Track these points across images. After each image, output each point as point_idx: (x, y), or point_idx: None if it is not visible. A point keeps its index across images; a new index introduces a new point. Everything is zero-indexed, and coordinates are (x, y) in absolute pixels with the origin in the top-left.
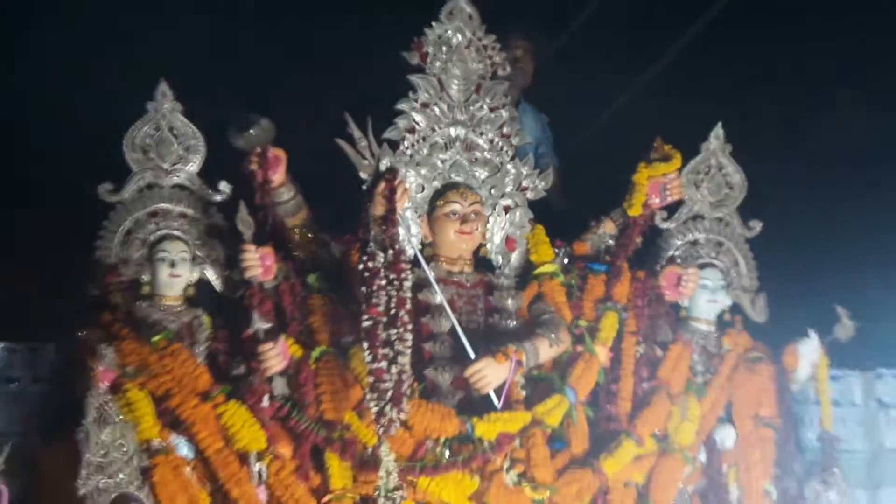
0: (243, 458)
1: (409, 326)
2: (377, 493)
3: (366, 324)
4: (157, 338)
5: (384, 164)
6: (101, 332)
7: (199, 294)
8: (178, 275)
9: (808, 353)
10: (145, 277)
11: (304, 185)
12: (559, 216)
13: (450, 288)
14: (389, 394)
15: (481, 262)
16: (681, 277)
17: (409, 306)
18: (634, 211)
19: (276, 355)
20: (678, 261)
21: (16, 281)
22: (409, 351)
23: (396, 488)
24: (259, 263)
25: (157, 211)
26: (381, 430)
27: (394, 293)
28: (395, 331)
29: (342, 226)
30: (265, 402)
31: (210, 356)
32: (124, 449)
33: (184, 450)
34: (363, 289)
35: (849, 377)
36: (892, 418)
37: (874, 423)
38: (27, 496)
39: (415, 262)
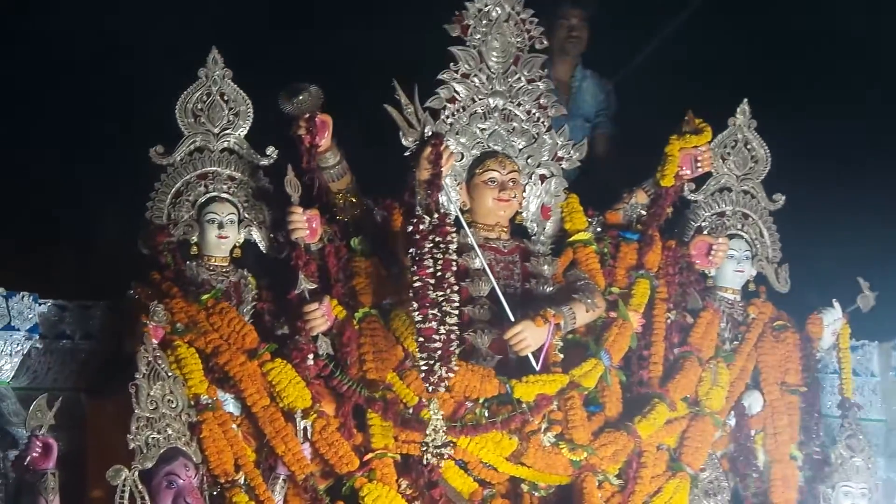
0: (288, 416)
1: (456, 288)
2: (424, 449)
3: (416, 284)
4: (205, 296)
5: (429, 131)
6: (151, 291)
7: (245, 255)
8: (226, 236)
9: (832, 322)
10: (194, 238)
11: (349, 151)
12: (591, 186)
13: (487, 254)
14: (438, 353)
15: (516, 229)
16: (711, 246)
17: (455, 268)
18: (667, 181)
19: (321, 316)
20: (706, 231)
21: (67, 239)
22: (456, 311)
23: (444, 444)
24: (306, 225)
25: (207, 173)
26: (431, 387)
27: (440, 256)
28: (442, 292)
29: (384, 192)
30: (310, 361)
31: (255, 315)
32: (174, 404)
33: (230, 406)
34: (411, 251)
35: (867, 347)
36: None
37: (892, 392)
38: (77, 450)
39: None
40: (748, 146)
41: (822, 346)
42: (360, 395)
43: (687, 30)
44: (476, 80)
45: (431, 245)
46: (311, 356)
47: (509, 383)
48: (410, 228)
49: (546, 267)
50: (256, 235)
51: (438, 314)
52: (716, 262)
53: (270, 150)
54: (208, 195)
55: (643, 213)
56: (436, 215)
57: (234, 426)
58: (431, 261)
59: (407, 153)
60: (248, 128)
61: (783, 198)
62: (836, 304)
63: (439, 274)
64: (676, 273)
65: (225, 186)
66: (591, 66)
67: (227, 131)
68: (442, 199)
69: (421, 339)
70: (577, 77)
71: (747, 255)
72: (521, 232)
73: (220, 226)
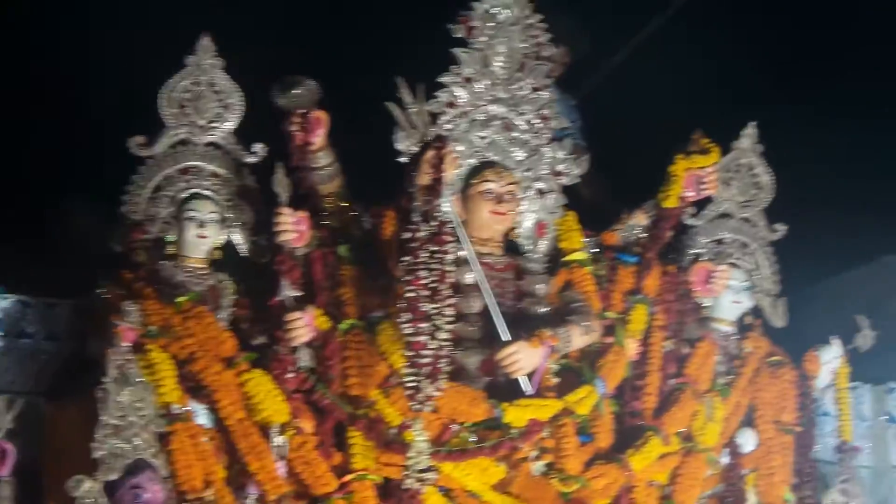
0: (264, 431)
1: (450, 302)
2: (406, 473)
3: (408, 295)
4: (182, 299)
5: (432, 133)
6: (123, 290)
7: (225, 258)
8: (206, 235)
9: (830, 360)
10: (171, 237)
11: (341, 153)
12: (589, 205)
13: (480, 269)
14: (427, 369)
15: (508, 246)
16: (711, 274)
17: (450, 281)
18: (670, 203)
19: (304, 325)
20: (703, 259)
21: (34, 232)
22: (449, 326)
23: (428, 469)
24: (294, 228)
25: (189, 168)
26: (416, 406)
27: (436, 266)
28: (435, 305)
29: (375, 198)
30: (289, 373)
31: (233, 322)
32: (143, 412)
33: (202, 418)
34: (405, 260)
35: (859, 389)
36: None
37: (882, 438)
38: (32, 458)
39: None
40: (752, 172)
41: (818, 386)
42: (341, 411)
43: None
44: (479, 85)
45: (427, 255)
46: (291, 368)
47: (500, 407)
48: (406, 236)
49: (540, 286)
50: (238, 237)
51: (430, 328)
52: (715, 291)
53: (258, 146)
54: (189, 191)
55: (642, 235)
56: (434, 223)
57: (205, 439)
58: (426, 271)
59: (406, 156)
60: (236, 122)
61: (784, 228)
62: (835, 342)
63: (433, 286)
64: (675, 300)
65: (208, 183)
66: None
67: (214, 124)
68: (441, 207)
69: (409, 353)
70: None
71: (745, 286)
72: (511, 249)
73: (201, 224)
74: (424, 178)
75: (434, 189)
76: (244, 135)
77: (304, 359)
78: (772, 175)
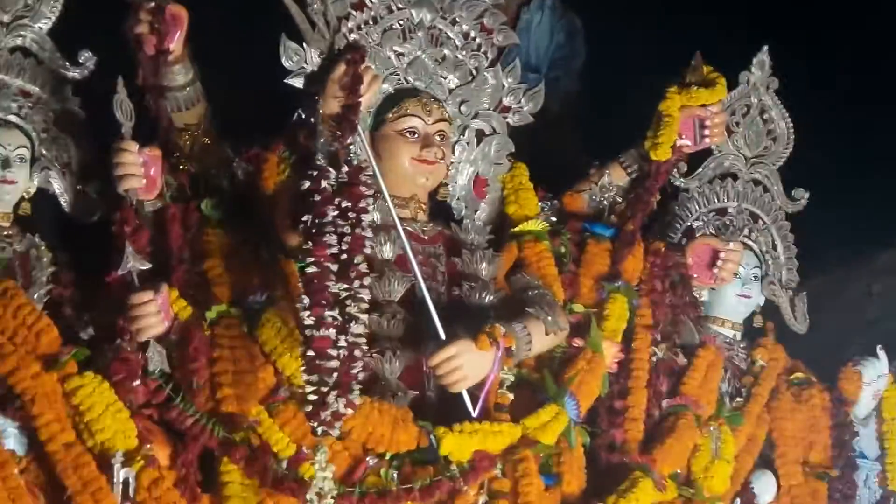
0: (102, 460)
1: (367, 281)
2: None
3: (309, 270)
4: None
5: (343, 39)
6: None
7: (38, 214)
8: (14, 181)
9: (874, 378)
10: None
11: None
12: (546, 154)
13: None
14: (335, 376)
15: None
16: (718, 254)
17: (367, 250)
18: (661, 153)
19: (156, 312)
20: (701, 234)
21: None
22: (364, 316)
23: None
24: (141, 171)
25: None
26: (319, 428)
27: (347, 229)
28: (347, 285)
29: (254, 134)
30: (136, 380)
31: (51, 306)
32: None
33: (12, 441)
34: (306, 219)
35: None
36: None
37: None
38: None
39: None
40: (764, 116)
41: (857, 414)
42: (210, 435)
43: None
44: None
45: (336, 212)
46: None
47: (434, 433)
48: (308, 185)
49: (483, 265)
50: (57, 184)
51: (339, 318)
52: (723, 278)
53: (85, 55)
54: None
55: (619, 199)
56: (345, 168)
57: (15, 472)
58: (334, 236)
59: (300, 74)
60: (54, 19)
61: (806, 195)
62: (882, 354)
63: (344, 257)
64: (667, 289)
65: (14, 105)
66: None
67: (23, 21)
68: (354, 146)
69: (310, 353)
70: (533, 5)
71: (756, 275)
72: (440, 214)
73: (5, 163)
74: (332, 105)
75: (347, 120)
76: (66, 38)
77: (157, 360)
78: (789, 122)
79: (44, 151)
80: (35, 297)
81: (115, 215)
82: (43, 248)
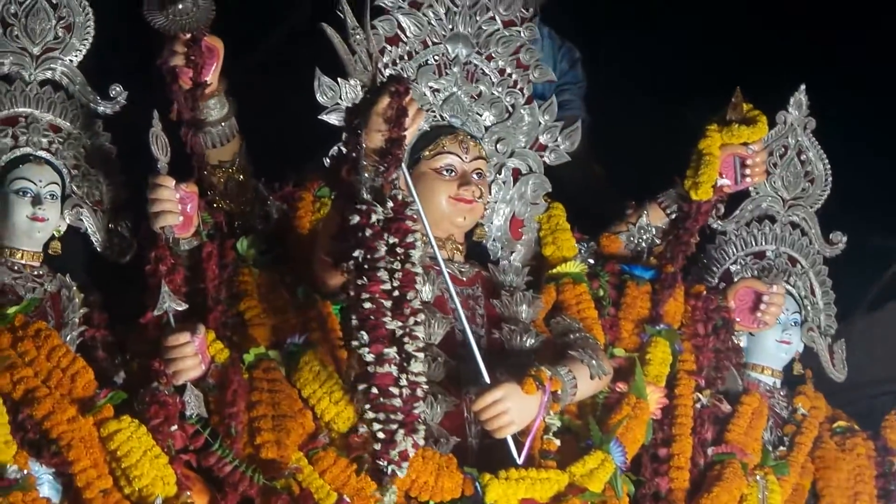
0: None
1: (421, 318)
2: None
3: (365, 305)
4: (12, 310)
5: (386, 72)
6: None
7: (68, 253)
8: (45, 218)
9: None
10: None
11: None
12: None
13: (439, 281)
14: (400, 415)
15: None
16: (760, 298)
17: (419, 286)
18: (702, 193)
19: (194, 354)
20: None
21: None
22: (422, 355)
23: None
24: (178, 208)
25: (16, 117)
26: (391, 468)
27: (397, 265)
28: (402, 322)
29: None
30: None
31: (83, 349)
32: None
33: (47, 488)
34: (356, 255)
35: None
36: None
37: None
38: None
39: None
40: (802, 157)
41: None
42: (250, 483)
43: None
44: (431, 13)
45: (386, 248)
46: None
47: (479, 480)
48: (357, 220)
49: (524, 307)
50: (89, 222)
51: (398, 355)
52: (766, 322)
53: (116, 89)
54: (17, 152)
55: (658, 240)
56: (390, 203)
57: None
58: (386, 272)
59: (337, 110)
60: (85, 51)
61: (844, 238)
62: None
63: (397, 294)
64: (710, 334)
65: (45, 141)
66: (551, 21)
67: (54, 53)
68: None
69: (374, 391)
70: None
71: (796, 320)
72: (476, 255)
73: (36, 200)
74: (376, 139)
75: (392, 154)
76: (98, 71)
77: (194, 404)
78: (826, 163)
79: (75, 188)
80: (67, 339)
81: (150, 254)
82: (74, 288)
